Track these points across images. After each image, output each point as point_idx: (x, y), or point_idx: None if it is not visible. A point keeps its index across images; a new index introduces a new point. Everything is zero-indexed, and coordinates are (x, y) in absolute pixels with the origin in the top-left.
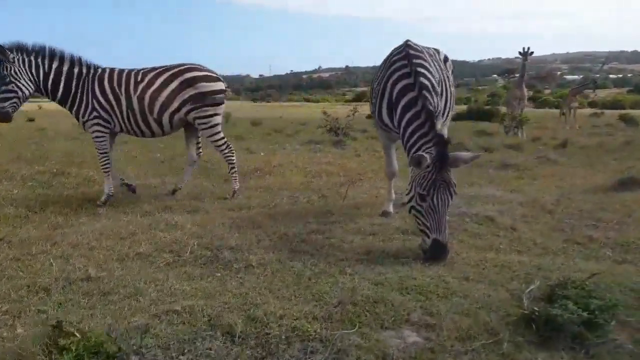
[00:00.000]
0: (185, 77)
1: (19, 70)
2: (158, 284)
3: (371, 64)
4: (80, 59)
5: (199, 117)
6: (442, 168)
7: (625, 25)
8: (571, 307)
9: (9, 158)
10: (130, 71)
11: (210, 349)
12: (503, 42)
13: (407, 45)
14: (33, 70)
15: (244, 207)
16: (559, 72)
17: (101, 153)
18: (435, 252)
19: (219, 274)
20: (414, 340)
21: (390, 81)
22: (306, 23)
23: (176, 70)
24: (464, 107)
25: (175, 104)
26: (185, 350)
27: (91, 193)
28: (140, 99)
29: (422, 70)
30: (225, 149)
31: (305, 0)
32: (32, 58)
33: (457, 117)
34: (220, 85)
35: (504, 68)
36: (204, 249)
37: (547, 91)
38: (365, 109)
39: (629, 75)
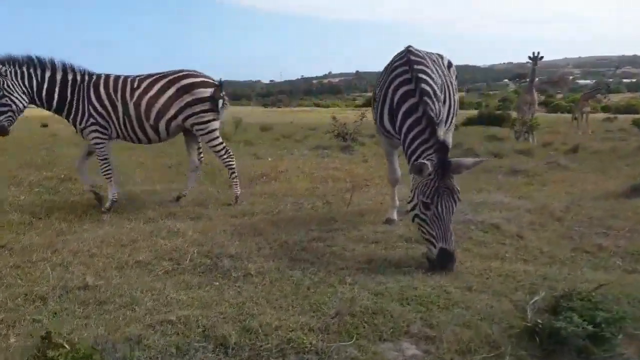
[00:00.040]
0: (181, 83)
1: (11, 84)
2: (155, 293)
3: (382, 69)
4: (72, 66)
5: (197, 124)
6: (445, 175)
7: (639, 29)
8: (576, 320)
9: (19, 163)
10: (126, 77)
11: None
12: (515, 47)
13: (408, 51)
14: (26, 82)
15: (247, 213)
16: (571, 77)
17: (102, 159)
18: (443, 261)
19: (217, 283)
20: (413, 353)
21: (392, 87)
22: (317, 28)
23: (173, 76)
24: (474, 112)
25: (172, 111)
26: None
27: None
28: (137, 106)
29: (424, 76)
30: (224, 154)
31: (317, 5)
32: (24, 69)
33: (468, 122)
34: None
35: (515, 73)
36: (204, 257)
37: (559, 96)
38: None
39: None
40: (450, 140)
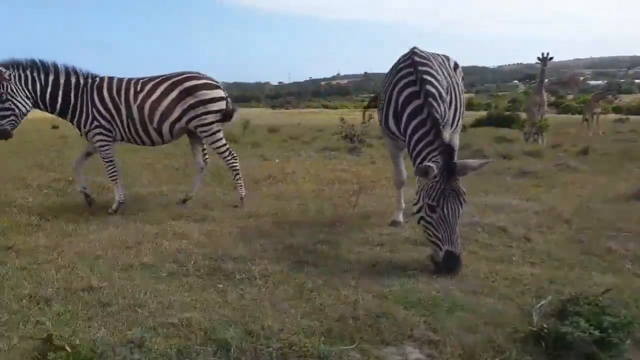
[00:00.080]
0: (184, 86)
1: (15, 88)
2: (158, 295)
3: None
4: (75, 69)
5: (200, 126)
6: (450, 177)
7: None
8: (583, 325)
9: (29, 165)
10: (129, 80)
11: None
12: (524, 48)
13: (413, 52)
14: (30, 86)
15: (252, 215)
16: (582, 77)
17: (107, 161)
18: (449, 264)
19: (221, 286)
20: (416, 358)
21: (396, 89)
22: (325, 29)
23: (175, 79)
24: (483, 113)
25: (176, 114)
26: None
27: (104, 201)
28: (140, 109)
29: (428, 78)
30: (227, 155)
31: (324, 6)
32: (28, 73)
33: (477, 123)
34: (220, 93)
35: (525, 74)
36: (208, 259)
37: (570, 97)
38: None
39: None
40: (456, 142)
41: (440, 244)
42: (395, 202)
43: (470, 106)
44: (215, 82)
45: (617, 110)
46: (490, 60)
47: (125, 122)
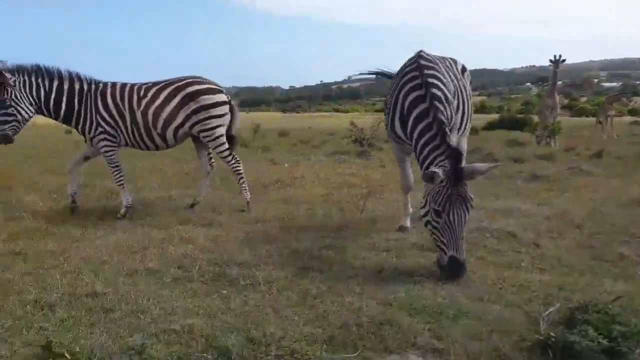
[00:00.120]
0: (187, 91)
1: (19, 95)
2: (161, 301)
3: None
4: (79, 75)
5: (203, 130)
6: (457, 182)
7: None
8: (591, 334)
9: (40, 170)
10: (132, 85)
11: None
12: (537, 50)
13: (419, 56)
14: (34, 93)
15: (259, 220)
16: (596, 80)
17: (113, 167)
18: (453, 270)
19: (225, 292)
20: None
21: (402, 93)
22: (335, 33)
23: (178, 84)
24: (495, 116)
25: (179, 119)
26: None
27: (112, 206)
28: (144, 115)
29: (434, 81)
30: (231, 159)
31: (335, 10)
32: (33, 79)
33: (489, 126)
34: (223, 97)
35: (537, 76)
36: (213, 265)
37: (584, 99)
38: None
39: None
40: (464, 146)
41: (445, 249)
42: (402, 207)
43: (482, 109)
44: (218, 86)
45: (632, 112)
46: (502, 62)
47: (129, 128)
